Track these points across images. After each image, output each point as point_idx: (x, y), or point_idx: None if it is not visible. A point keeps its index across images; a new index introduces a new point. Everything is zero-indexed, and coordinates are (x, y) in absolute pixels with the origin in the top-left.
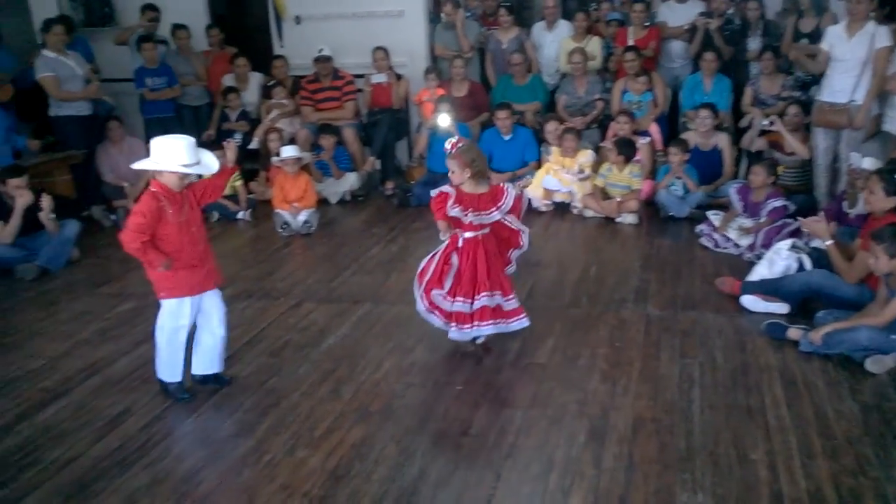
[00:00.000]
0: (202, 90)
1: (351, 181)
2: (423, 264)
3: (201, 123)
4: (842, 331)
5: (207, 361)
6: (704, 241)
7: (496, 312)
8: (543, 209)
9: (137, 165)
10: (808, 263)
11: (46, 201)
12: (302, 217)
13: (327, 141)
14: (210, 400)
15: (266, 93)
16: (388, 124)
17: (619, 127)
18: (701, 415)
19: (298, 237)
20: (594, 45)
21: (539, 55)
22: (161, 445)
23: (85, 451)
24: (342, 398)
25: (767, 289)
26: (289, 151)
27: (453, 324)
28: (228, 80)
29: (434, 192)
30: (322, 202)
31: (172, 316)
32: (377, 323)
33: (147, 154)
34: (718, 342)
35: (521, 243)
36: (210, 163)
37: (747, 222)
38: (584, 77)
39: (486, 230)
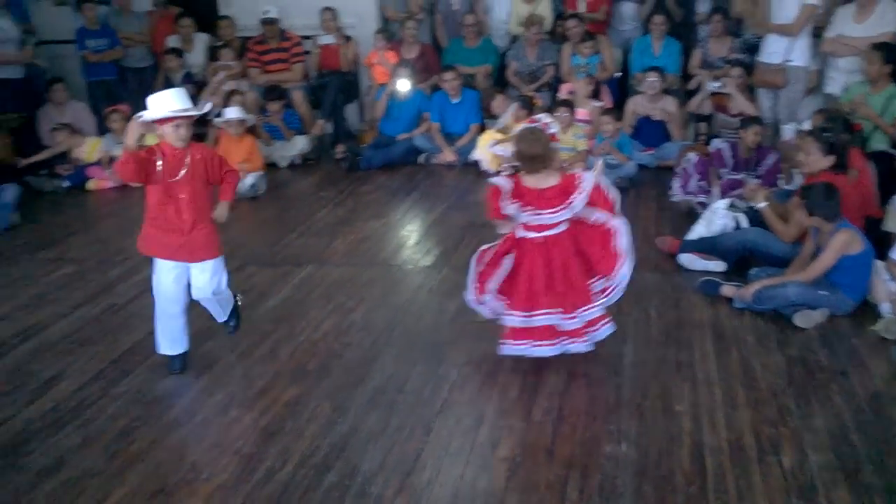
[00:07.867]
0: (146, 52)
1: (300, 144)
2: (480, 250)
3: (146, 86)
4: (771, 287)
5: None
6: (677, 196)
7: (555, 332)
8: (493, 175)
9: (142, 116)
10: (744, 222)
11: None
12: (249, 180)
13: (275, 105)
14: (146, 362)
15: (213, 54)
16: (337, 86)
17: (571, 87)
18: (632, 369)
19: (245, 201)
20: (544, 7)
21: (490, 17)
22: (94, 406)
23: (17, 413)
24: (279, 359)
25: (705, 247)
26: (231, 113)
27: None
28: (173, 42)
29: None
30: (272, 166)
31: (155, 273)
32: (319, 285)
33: (90, 117)
34: (654, 300)
35: (614, 273)
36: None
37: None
38: (535, 44)
39: (557, 231)
